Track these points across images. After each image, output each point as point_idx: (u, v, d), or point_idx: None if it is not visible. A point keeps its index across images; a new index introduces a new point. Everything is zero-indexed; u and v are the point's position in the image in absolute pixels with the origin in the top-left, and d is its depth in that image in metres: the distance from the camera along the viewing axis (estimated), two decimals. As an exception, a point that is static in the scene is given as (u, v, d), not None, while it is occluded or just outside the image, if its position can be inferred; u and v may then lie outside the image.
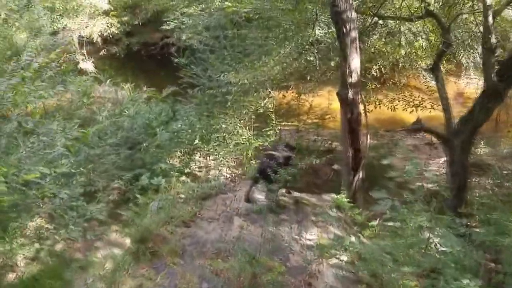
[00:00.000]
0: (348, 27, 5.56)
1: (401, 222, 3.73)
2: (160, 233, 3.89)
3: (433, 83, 9.95)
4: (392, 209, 3.58)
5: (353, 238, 3.88)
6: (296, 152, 5.16)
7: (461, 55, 9.50)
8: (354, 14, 5.64)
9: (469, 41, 8.06)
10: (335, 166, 5.25)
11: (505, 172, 7.18)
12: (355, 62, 5.67)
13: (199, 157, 7.29)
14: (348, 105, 5.70)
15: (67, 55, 11.03)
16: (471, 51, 8.83)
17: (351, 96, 5.63)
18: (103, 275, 3.79)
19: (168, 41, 12.49)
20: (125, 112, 7.41)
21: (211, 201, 4.57)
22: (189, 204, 4.40)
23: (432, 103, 6.87)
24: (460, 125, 5.65)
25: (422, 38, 8.59)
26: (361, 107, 5.92)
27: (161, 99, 9.12)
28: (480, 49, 8.67)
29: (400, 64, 9.96)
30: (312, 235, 3.93)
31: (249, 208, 4.34)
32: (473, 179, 6.74)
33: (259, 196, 4.63)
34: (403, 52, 8.09)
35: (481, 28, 7.19)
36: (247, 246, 3.64)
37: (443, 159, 7.81)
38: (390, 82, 10.52)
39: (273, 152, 4.74)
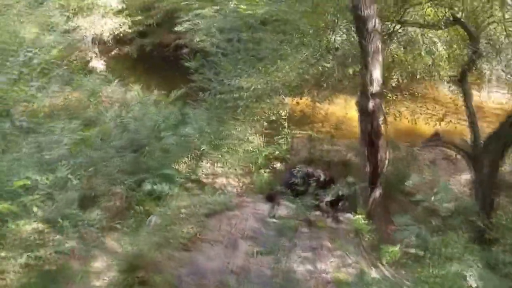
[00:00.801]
0: (371, 34, 5.24)
1: (427, 251, 3.33)
2: (153, 258, 3.44)
3: (453, 95, 9.64)
4: (418, 236, 3.18)
5: (374, 272, 3.43)
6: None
7: (484, 66, 9.08)
8: (377, 20, 5.31)
9: (494, 52, 7.65)
10: (350, 179, 4.86)
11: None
12: (377, 71, 5.33)
13: (207, 163, 6.98)
14: (368, 116, 5.34)
15: (79, 53, 10.90)
16: (495, 63, 8.41)
17: (371, 107, 5.27)
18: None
19: (181, 43, 12.30)
20: (131, 113, 7.13)
21: (216, 219, 4.14)
22: (190, 221, 3.97)
23: (458, 117, 6.42)
24: (489, 142, 5.23)
25: (444, 48, 8.20)
26: (381, 118, 5.55)
27: (171, 102, 8.85)
28: (504, 61, 8.32)
29: (419, 75, 9.57)
30: (328, 267, 3.46)
31: (257, 230, 3.90)
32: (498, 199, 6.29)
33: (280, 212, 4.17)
34: (428, 61, 7.65)
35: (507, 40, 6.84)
36: (254, 280, 3.19)
37: (464, 176, 7.36)
38: (408, 93, 10.08)
39: (304, 168, 4.30)
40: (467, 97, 5.84)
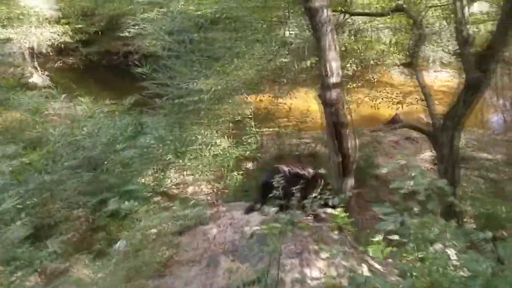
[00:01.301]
0: (324, 25, 5.20)
1: (409, 237, 3.33)
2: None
3: (404, 78, 10.09)
4: (402, 225, 3.14)
5: (364, 269, 3.35)
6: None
7: (427, 49, 9.55)
8: (330, 11, 5.30)
9: (434, 35, 8.04)
10: (322, 171, 4.80)
11: (483, 161, 7.11)
12: (335, 62, 5.30)
13: (175, 173, 6.68)
14: (332, 108, 5.31)
15: (14, 69, 10.02)
16: (436, 45, 8.84)
17: (334, 98, 5.25)
18: None
19: (130, 49, 11.74)
20: (85, 129, 6.64)
21: (190, 235, 3.77)
22: (162, 241, 3.63)
23: (412, 99, 6.64)
24: (445, 120, 5.44)
25: (391, 35, 8.48)
26: (344, 108, 5.56)
27: (126, 111, 8.37)
28: (443, 43, 8.79)
29: (372, 62, 9.85)
30: (317, 272, 3.30)
31: (237, 241, 3.62)
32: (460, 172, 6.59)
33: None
34: (378, 49, 7.86)
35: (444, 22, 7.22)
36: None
37: (427, 153, 7.68)
38: (363, 80, 10.35)
39: (282, 166, 4.04)
40: (420, 78, 6.02)
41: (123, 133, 7.26)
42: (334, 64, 5.26)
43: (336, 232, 3.89)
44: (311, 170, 4.08)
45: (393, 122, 8.77)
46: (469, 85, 4.78)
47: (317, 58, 6.32)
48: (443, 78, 10.97)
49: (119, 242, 3.88)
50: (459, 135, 5.23)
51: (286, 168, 3.88)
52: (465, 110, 4.89)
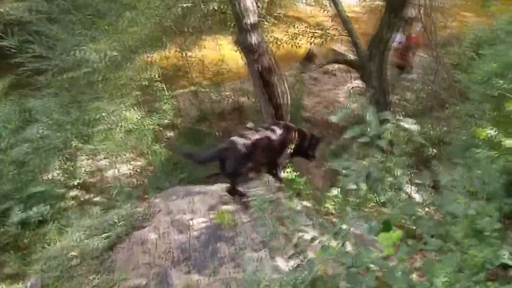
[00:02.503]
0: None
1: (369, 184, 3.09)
2: None
3: (309, 10, 9.80)
4: (368, 178, 2.84)
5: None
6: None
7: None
8: None
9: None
10: (250, 125, 4.33)
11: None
12: (249, -2, 4.60)
13: (87, 160, 5.68)
14: (254, 53, 4.70)
15: None
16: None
17: (255, 42, 4.63)
18: None
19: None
20: None
21: (125, 250, 2.89)
22: (90, 266, 2.77)
23: (338, 29, 6.22)
24: (371, 48, 5.23)
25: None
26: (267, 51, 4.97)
27: (3, 98, 6.78)
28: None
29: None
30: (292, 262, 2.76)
31: (185, 244, 2.92)
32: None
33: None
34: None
35: None
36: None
37: (347, 86, 7.65)
38: (271, 17, 9.74)
39: (236, 139, 3.37)
40: (337, 5, 5.63)
41: (6, 126, 5.91)
42: (248, 1, 4.57)
43: (296, 200, 3.48)
44: (278, 129, 3.54)
45: (308, 58, 8.49)
46: (391, 6, 4.52)
47: (224, -1, 5.52)
48: (349, 4, 10.82)
49: (31, 280, 2.97)
50: (386, 61, 5.07)
51: (241, 141, 3.29)
52: (390, 34, 4.69)
